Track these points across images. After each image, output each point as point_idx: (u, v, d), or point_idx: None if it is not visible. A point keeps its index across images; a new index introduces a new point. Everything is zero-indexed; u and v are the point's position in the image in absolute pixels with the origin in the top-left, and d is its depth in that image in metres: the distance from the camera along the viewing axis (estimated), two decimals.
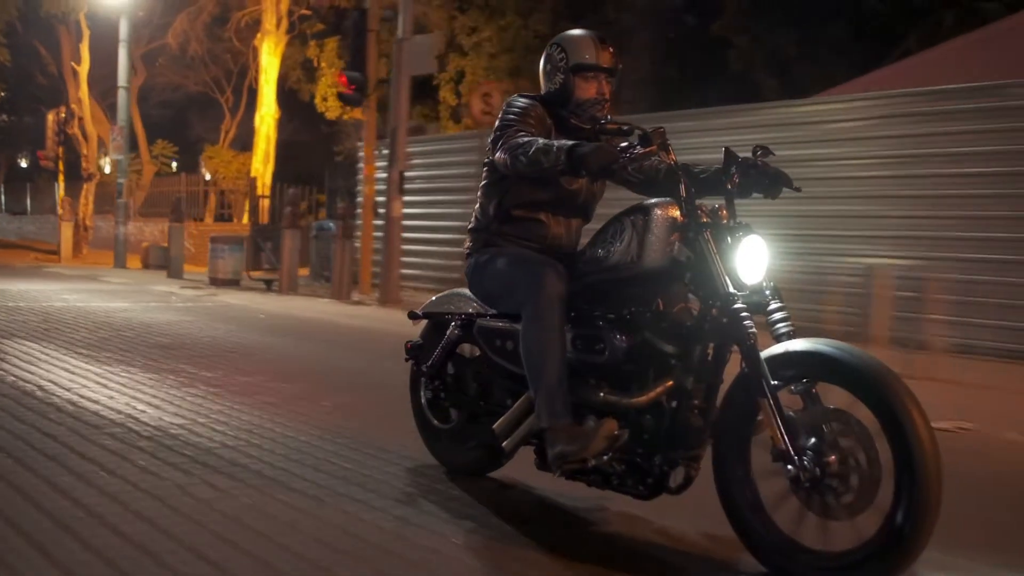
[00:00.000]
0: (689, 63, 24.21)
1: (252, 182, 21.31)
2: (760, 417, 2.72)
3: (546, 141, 2.98)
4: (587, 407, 3.01)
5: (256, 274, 14.16)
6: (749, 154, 3.03)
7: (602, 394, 2.98)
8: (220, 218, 26.06)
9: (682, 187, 2.92)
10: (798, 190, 3.12)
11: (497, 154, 3.13)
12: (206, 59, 26.61)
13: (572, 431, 2.94)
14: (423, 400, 3.79)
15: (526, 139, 3.03)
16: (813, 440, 2.60)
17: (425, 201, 13.77)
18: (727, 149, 3.00)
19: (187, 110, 33.01)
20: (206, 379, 5.74)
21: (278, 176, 24.02)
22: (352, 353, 7.52)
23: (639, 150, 2.88)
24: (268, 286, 13.79)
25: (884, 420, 2.48)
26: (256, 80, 24.21)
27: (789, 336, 2.80)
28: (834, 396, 2.64)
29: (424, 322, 3.79)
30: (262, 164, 23.48)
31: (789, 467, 2.60)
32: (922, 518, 2.41)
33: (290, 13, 22.75)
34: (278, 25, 22.69)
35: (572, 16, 22.53)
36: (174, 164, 34.15)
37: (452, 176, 13.44)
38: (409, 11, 11.91)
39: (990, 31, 14.92)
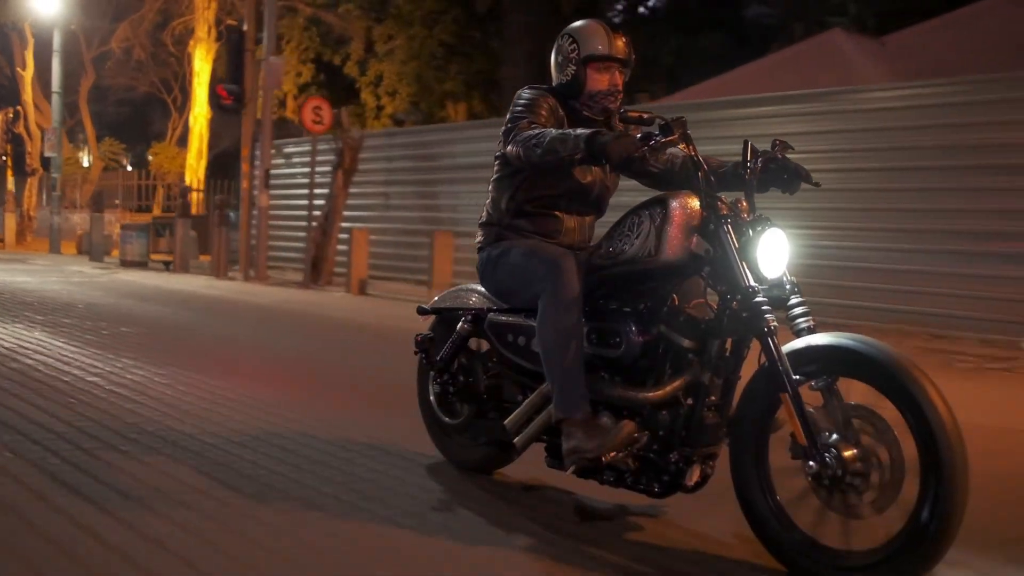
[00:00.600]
0: None
1: (181, 176, 23.56)
2: (779, 413, 2.69)
3: (562, 130, 2.94)
4: (602, 402, 2.99)
5: (156, 256, 16.43)
6: (768, 147, 3.01)
7: (618, 389, 2.95)
8: (167, 209, 28.31)
9: (702, 179, 2.89)
10: (817, 185, 3.09)
11: (509, 147, 3.06)
12: (150, 62, 28.73)
13: (589, 426, 2.91)
14: (431, 395, 3.74)
15: (539, 130, 2.98)
16: (834, 437, 2.55)
17: (289, 194, 16.04)
18: (747, 142, 2.93)
19: (145, 108, 35.22)
20: (36, 320, 8.06)
21: (223, 171, 26.32)
22: (171, 308, 9.80)
23: (660, 140, 2.79)
24: (166, 267, 16.07)
25: (909, 416, 2.43)
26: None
27: (809, 330, 2.74)
28: (857, 392, 2.60)
29: (433, 317, 3.77)
30: (195, 160, 25.61)
31: (811, 464, 2.57)
32: (949, 517, 2.37)
33: (218, 22, 24.94)
34: (208, 33, 24.88)
35: (476, 27, 24.86)
36: (149, 157, 36.31)
37: (302, 173, 15.53)
38: (272, 35, 14.18)
39: (822, 38, 17.12)
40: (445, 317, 3.69)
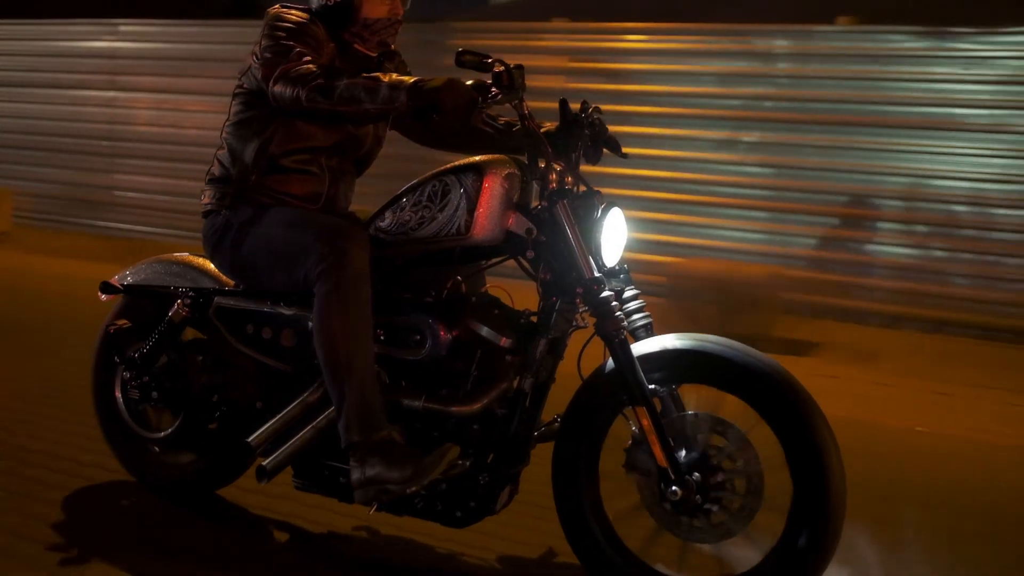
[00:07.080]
0: None
1: None
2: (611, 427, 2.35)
3: (368, 76, 2.30)
4: (399, 417, 2.43)
5: None
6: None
7: (419, 401, 2.40)
8: None
9: (537, 145, 2.37)
10: (625, 156, 2.66)
11: (278, 85, 2.36)
12: None
13: (392, 451, 2.31)
14: (121, 400, 2.92)
15: (335, 73, 2.35)
16: (692, 454, 2.23)
17: None
18: (564, 101, 2.49)
19: None
20: None
21: None
22: None
23: (498, 93, 2.23)
24: None
25: (784, 434, 2.15)
26: None
27: (647, 329, 2.38)
28: (701, 397, 2.32)
29: (119, 297, 2.96)
30: None
31: (673, 489, 2.19)
32: (826, 547, 2.12)
33: None
34: None
35: None
36: None
37: None
38: None
39: None
40: (141, 298, 2.90)
